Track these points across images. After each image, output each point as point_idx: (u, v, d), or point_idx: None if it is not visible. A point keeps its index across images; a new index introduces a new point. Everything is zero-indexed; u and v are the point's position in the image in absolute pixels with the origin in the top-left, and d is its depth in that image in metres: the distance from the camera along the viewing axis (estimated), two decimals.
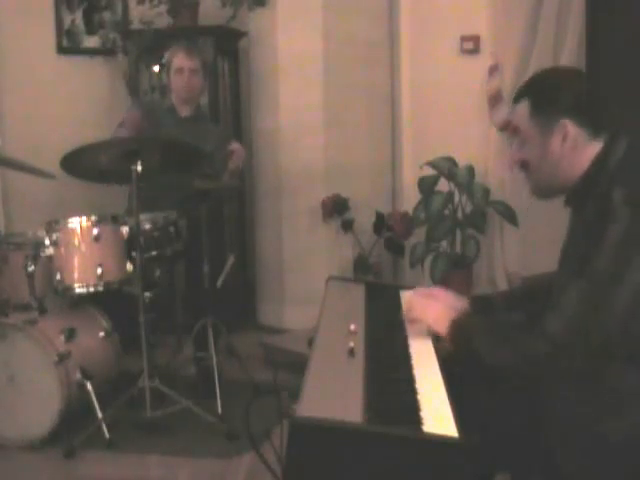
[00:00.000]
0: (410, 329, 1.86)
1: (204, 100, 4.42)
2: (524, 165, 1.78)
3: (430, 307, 1.87)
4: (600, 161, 1.68)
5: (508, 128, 1.96)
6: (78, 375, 3.00)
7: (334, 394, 1.46)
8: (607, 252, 1.54)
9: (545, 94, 1.73)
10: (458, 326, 1.75)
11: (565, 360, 1.57)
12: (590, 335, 1.56)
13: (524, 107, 1.74)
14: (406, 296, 2.08)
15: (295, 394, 1.43)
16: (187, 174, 3.32)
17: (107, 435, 2.91)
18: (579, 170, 1.70)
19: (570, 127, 1.68)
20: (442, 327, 1.78)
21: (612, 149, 1.68)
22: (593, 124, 1.70)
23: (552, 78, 1.80)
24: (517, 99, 1.77)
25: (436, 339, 1.82)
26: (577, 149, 1.69)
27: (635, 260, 1.53)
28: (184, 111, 3.74)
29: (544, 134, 1.71)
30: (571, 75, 1.83)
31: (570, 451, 1.58)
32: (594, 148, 1.69)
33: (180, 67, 3.64)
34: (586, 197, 1.66)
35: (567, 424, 1.58)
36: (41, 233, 3.12)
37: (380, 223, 4.34)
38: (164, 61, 3.79)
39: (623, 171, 1.65)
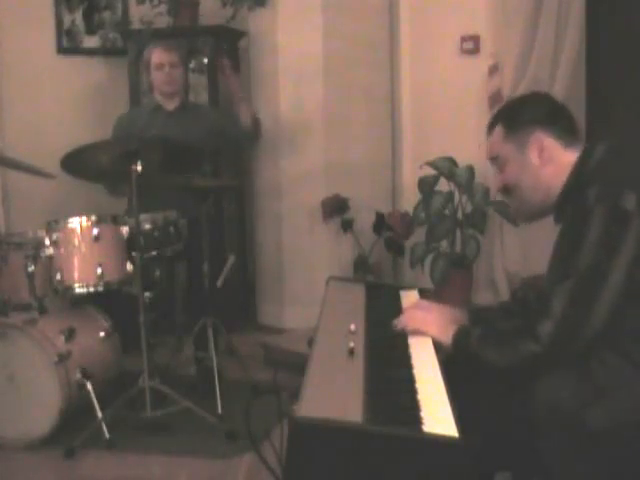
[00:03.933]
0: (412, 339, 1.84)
1: (204, 99, 4.43)
2: (507, 189, 1.84)
3: (431, 317, 1.89)
4: (578, 169, 1.72)
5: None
6: (78, 375, 3.00)
7: (334, 394, 1.46)
8: (588, 251, 1.58)
9: (514, 113, 1.82)
10: (462, 333, 1.77)
11: (556, 359, 1.62)
12: (579, 333, 1.59)
13: (497, 133, 1.82)
14: (405, 309, 2.05)
15: (295, 394, 1.43)
16: (187, 174, 3.32)
17: (107, 435, 2.90)
18: (559, 181, 1.74)
19: (544, 138, 1.74)
20: (447, 336, 1.79)
21: (589, 155, 1.72)
22: (566, 133, 1.76)
23: (518, 100, 1.93)
24: (489, 130, 1.85)
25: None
26: (554, 159, 1.75)
27: (615, 257, 1.57)
28: (170, 105, 3.75)
29: (520, 150, 1.77)
30: (536, 95, 1.93)
31: (553, 438, 1.59)
32: (571, 157, 1.74)
33: (160, 62, 3.68)
34: (568, 205, 1.70)
35: (550, 411, 1.59)
36: (41, 233, 3.12)
37: (380, 223, 4.33)
38: (143, 61, 3.82)
39: (601, 173, 1.68)
